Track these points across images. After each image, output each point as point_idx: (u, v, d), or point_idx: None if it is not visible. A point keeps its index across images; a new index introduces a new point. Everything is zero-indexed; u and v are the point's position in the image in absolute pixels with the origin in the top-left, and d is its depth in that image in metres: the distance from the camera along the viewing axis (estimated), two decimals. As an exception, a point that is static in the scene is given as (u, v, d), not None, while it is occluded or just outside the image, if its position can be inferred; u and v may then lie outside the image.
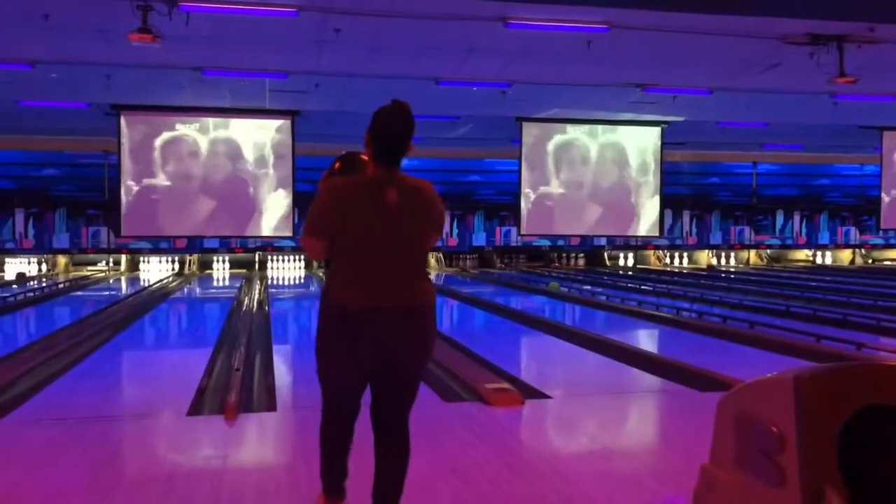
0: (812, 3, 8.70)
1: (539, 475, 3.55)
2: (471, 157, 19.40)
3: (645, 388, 5.85)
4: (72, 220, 17.52)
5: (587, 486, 3.39)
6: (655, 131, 17.68)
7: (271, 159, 16.09)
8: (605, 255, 20.02)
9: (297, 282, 16.41)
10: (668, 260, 20.81)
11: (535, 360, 7.71)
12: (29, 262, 17.58)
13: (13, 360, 6.48)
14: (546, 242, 19.36)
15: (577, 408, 5.09)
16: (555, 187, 17.56)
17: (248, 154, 16.05)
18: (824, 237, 21.52)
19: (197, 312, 12.09)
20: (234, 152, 15.98)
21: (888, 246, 21.87)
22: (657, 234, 18.48)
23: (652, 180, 17.94)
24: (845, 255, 21.87)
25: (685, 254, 20.98)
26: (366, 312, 2.62)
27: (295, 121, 15.81)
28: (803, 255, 21.96)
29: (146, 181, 15.71)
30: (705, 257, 20.98)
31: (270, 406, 5.01)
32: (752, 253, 21.30)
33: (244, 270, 17.87)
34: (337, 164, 2.87)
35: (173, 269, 17.92)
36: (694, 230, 20.70)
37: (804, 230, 21.37)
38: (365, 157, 2.77)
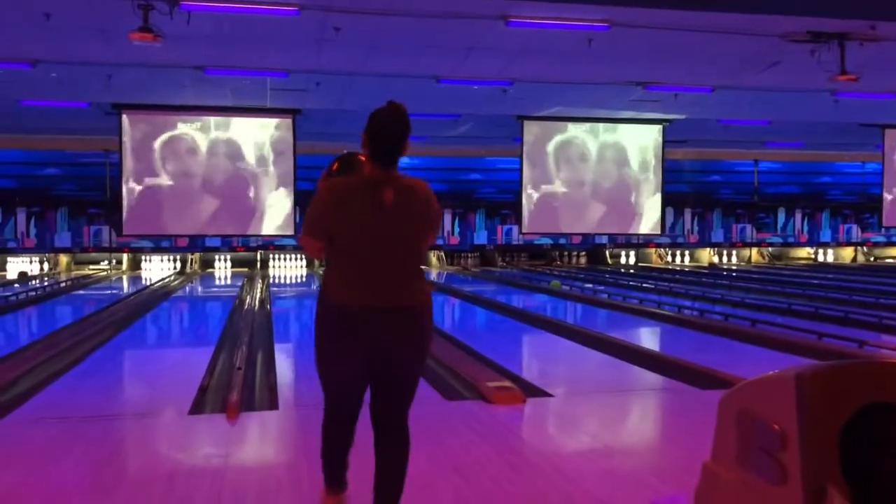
0: (813, 1, 8.68)
1: (541, 473, 3.55)
2: (472, 156, 19.40)
3: (646, 386, 5.85)
4: (73, 220, 17.55)
5: (589, 485, 3.39)
6: (657, 129, 17.67)
7: (272, 158, 16.08)
8: (607, 253, 20.02)
9: (298, 280, 16.42)
10: (669, 258, 20.80)
11: (537, 358, 7.72)
12: (31, 262, 17.60)
13: (15, 359, 6.49)
14: (547, 241, 19.36)
15: (579, 406, 5.09)
16: (556, 186, 17.55)
17: (249, 153, 16.04)
18: (826, 235, 21.51)
19: (199, 311, 12.10)
20: (236, 151, 15.98)
21: (890, 244, 21.85)
22: (659, 232, 18.46)
23: (653, 178, 17.92)
24: (847, 253, 21.85)
25: (687, 252, 20.97)
26: (363, 312, 2.66)
27: (296, 119, 15.81)
28: (805, 252, 21.95)
29: (148, 180, 15.71)
30: (707, 255, 20.97)
31: (272, 404, 5.02)
32: (754, 251, 21.29)
33: (246, 269, 17.89)
34: (335, 165, 2.91)
35: (175, 268, 17.94)
36: (695, 228, 20.69)
37: (806, 228, 21.36)
38: (363, 158, 2.80)
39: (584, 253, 20.13)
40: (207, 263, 18.43)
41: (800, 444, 1.72)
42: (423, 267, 2.88)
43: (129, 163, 15.60)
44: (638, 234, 18.56)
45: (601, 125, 17.49)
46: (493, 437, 4.11)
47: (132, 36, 8.41)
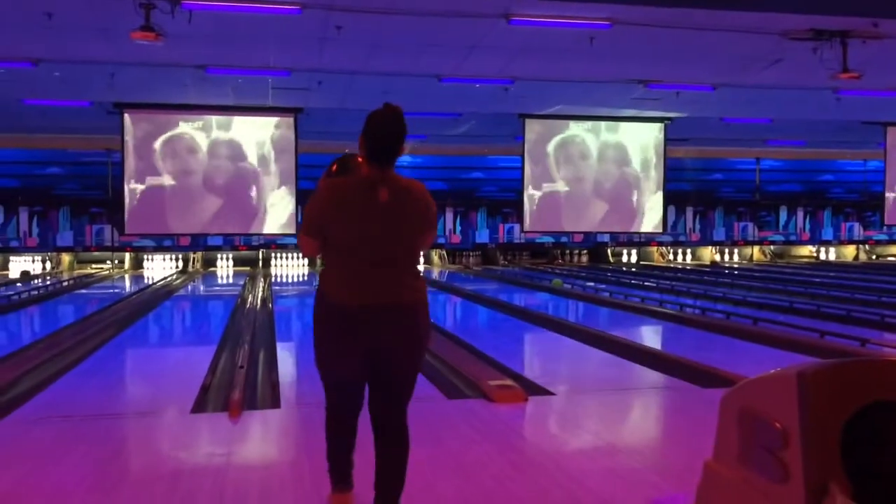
0: (815, -1, 8.69)
1: (542, 472, 3.55)
2: (474, 154, 19.39)
3: (648, 385, 5.85)
4: (75, 219, 17.57)
5: (590, 483, 3.39)
6: (658, 127, 17.65)
7: (274, 157, 16.09)
8: (609, 251, 20.01)
9: (300, 279, 16.43)
10: (671, 256, 20.79)
11: (539, 356, 7.72)
12: (33, 261, 17.63)
13: (18, 358, 6.50)
14: (549, 239, 19.36)
15: (581, 404, 5.09)
16: (558, 184, 17.54)
17: (251, 152, 16.05)
18: (828, 233, 21.48)
19: (201, 310, 12.12)
20: (237, 150, 15.99)
21: (892, 242, 21.83)
22: (660, 231, 18.45)
23: (655, 176, 17.91)
24: (849, 251, 21.83)
25: (688, 250, 20.95)
26: (360, 310, 2.71)
27: (298, 118, 15.81)
28: (807, 251, 21.92)
29: (150, 179, 15.72)
30: (709, 254, 20.95)
31: (274, 403, 5.03)
32: (756, 249, 21.27)
33: (248, 268, 17.91)
34: (334, 167, 2.96)
35: (177, 267, 17.96)
36: (697, 226, 20.68)
37: (808, 226, 21.34)
38: (360, 159, 2.85)
39: (585, 251, 20.13)
40: (209, 262, 18.45)
41: (801, 442, 1.72)
42: (419, 266, 2.93)
43: (130, 162, 15.61)
44: (640, 233, 18.55)
45: (603, 123, 17.47)
46: (495, 435, 4.11)
47: (134, 35, 8.41)
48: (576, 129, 17.48)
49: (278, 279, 15.94)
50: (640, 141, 17.77)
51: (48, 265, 17.71)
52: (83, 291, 13.60)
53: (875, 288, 11.90)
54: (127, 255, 18.08)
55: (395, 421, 2.85)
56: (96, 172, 17.45)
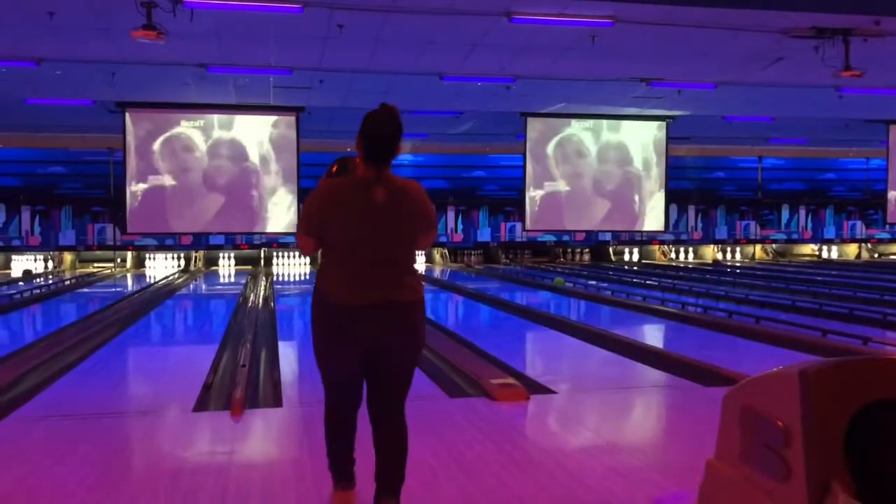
0: (817, -4, 8.68)
1: (544, 470, 3.55)
2: (475, 153, 19.39)
3: (650, 383, 5.84)
4: (78, 218, 17.59)
5: (592, 482, 3.39)
6: (660, 126, 17.64)
7: (276, 155, 16.10)
8: (611, 250, 20.00)
9: (302, 278, 16.43)
10: (673, 255, 20.78)
11: (540, 355, 7.72)
12: (35, 260, 17.65)
13: (20, 357, 6.51)
14: (551, 238, 19.36)
15: (582, 403, 5.09)
16: (559, 183, 17.53)
17: (253, 150, 16.06)
18: (830, 232, 21.46)
19: (203, 309, 12.12)
20: (239, 149, 16.00)
21: (894, 240, 21.79)
22: (662, 229, 18.45)
23: (657, 175, 17.90)
24: (851, 250, 21.81)
25: (690, 248, 20.94)
26: (356, 308, 2.75)
27: (299, 117, 15.82)
28: (809, 249, 21.91)
29: (151, 178, 15.73)
30: (711, 252, 20.94)
31: (276, 401, 5.03)
32: (758, 247, 21.26)
33: (249, 267, 17.93)
34: (334, 167, 3.01)
35: (179, 266, 17.97)
36: (699, 225, 20.67)
37: (810, 225, 21.32)
38: (359, 161, 2.89)
39: (587, 250, 20.12)
40: (211, 261, 18.47)
41: (804, 440, 1.72)
42: (415, 265, 2.96)
43: (132, 161, 15.62)
44: (642, 231, 18.55)
45: (605, 122, 17.46)
46: (497, 433, 4.11)
47: (135, 33, 8.42)
48: (577, 127, 17.46)
49: (280, 278, 15.95)
50: (642, 139, 17.75)
51: (50, 264, 17.73)
52: (85, 290, 13.61)
53: (877, 286, 11.89)
54: (129, 254, 18.10)
55: (394, 415, 2.89)
56: (98, 171, 17.47)
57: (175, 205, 15.80)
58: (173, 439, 4.28)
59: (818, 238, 21.49)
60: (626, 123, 17.52)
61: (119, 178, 16.17)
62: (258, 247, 18.06)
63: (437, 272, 17.21)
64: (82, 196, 17.59)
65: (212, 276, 16.58)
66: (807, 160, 21.24)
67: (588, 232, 18.81)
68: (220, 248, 17.99)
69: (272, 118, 15.96)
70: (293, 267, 18.25)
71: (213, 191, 15.97)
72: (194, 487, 3.35)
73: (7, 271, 17.15)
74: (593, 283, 13.32)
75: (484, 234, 19.52)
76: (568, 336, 7.91)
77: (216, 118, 15.83)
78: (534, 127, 17.09)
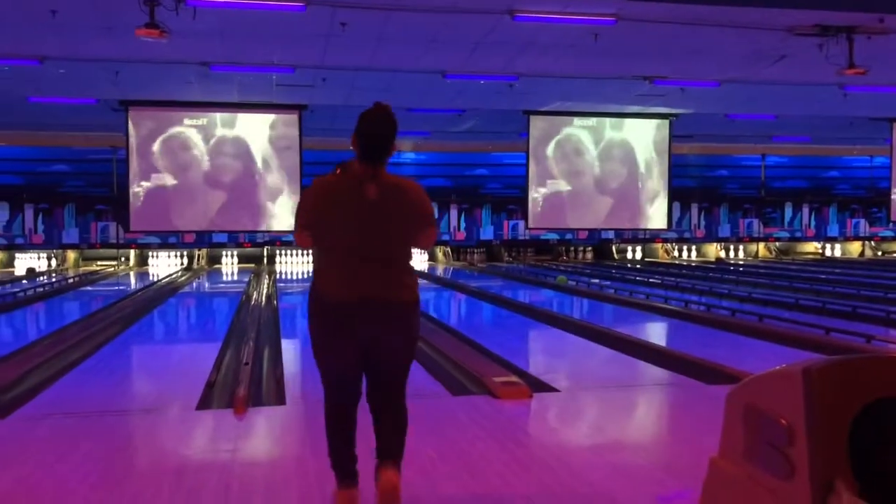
0: (821, -6, 8.66)
1: (547, 468, 3.54)
2: (478, 151, 19.39)
3: (653, 381, 5.84)
4: (81, 216, 17.61)
5: (595, 479, 3.38)
6: (663, 124, 17.62)
7: (278, 154, 16.11)
8: (613, 248, 19.99)
9: (304, 276, 16.44)
10: (676, 253, 20.76)
11: (543, 353, 7.71)
12: (38, 258, 17.68)
13: (23, 355, 6.51)
14: (554, 236, 19.34)
15: (585, 401, 5.08)
16: (562, 181, 17.52)
17: (256, 149, 16.07)
18: (833, 230, 21.43)
19: (206, 307, 12.14)
20: (242, 147, 16.01)
21: (898, 238, 21.76)
22: (665, 227, 18.43)
23: (660, 173, 17.88)
24: (855, 248, 21.77)
25: (693, 247, 20.92)
26: (353, 305, 2.79)
27: (302, 115, 15.82)
28: (812, 247, 21.87)
29: (154, 177, 15.75)
30: (714, 250, 20.92)
31: (279, 399, 5.03)
32: (761, 245, 21.23)
33: (252, 265, 17.94)
34: (337, 170, 3.04)
35: (182, 264, 17.99)
36: (702, 223, 20.64)
37: (813, 223, 21.28)
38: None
39: (590, 248, 20.11)
40: (214, 259, 18.49)
41: (807, 439, 1.72)
42: (411, 263, 2.99)
43: (135, 159, 15.64)
44: (644, 229, 18.53)
45: (608, 120, 17.45)
46: (500, 431, 4.11)
47: (138, 32, 8.43)
48: (580, 125, 17.45)
49: (283, 276, 15.96)
50: (645, 137, 17.74)
51: (53, 262, 17.77)
52: (88, 288, 13.63)
53: (881, 284, 11.87)
54: (132, 253, 18.13)
55: (393, 402, 2.96)
56: (101, 170, 17.50)
57: (178, 203, 15.81)
58: (176, 437, 4.28)
59: (822, 236, 21.46)
60: (629, 121, 17.50)
61: (122, 176, 16.18)
62: (261, 245, 18.07)
63: (439, 270, 17.22)
64: (85, 194, 17.61)
65: (215, 275, 16.60)
66: (810, 158, 21.20)
67: (591, 230, 18.80)
68: (223, 246, 18.00)
69: (275, 116, 15.97)
70: (296, 265, 18.26)
71: (216, 189, 15.98)
72: (197, 485, 3.35)
73: (10, 269, 17.18)
74: (596, 281, 13.31)
75: (487, 233, 19.51)
76: (571, 334, 7.91)
77: (219, 116, 15.84)
78: (536, 125, 17.08)
